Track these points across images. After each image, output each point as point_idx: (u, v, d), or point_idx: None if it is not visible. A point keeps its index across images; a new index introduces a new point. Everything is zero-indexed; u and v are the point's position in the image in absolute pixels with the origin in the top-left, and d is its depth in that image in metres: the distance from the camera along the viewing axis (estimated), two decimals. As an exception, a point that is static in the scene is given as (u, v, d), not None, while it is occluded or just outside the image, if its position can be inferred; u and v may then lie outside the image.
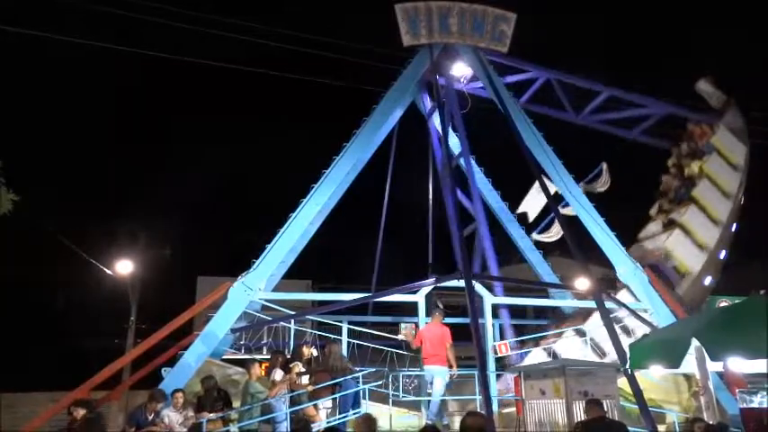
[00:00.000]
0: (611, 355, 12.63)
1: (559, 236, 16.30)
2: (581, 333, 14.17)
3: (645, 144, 17.84)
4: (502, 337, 15.18)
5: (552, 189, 14.68)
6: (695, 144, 16.70)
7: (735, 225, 15.95)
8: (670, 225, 15.65)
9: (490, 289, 14.23)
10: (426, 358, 11.86)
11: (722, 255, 15.68)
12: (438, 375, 11.66)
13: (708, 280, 15.40)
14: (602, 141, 17.84)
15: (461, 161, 16.01)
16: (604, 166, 16.22)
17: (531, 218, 17.01)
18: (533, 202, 16.72)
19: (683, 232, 15.22)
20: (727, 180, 15.78)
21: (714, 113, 17.06)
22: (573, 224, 14.22)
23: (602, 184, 15.90)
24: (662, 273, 14.88)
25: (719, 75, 17.48)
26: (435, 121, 17.51)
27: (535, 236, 17.05)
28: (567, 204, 14.96)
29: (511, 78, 16.45)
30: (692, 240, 15.20)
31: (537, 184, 16.08)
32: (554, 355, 13.85)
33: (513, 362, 14.18)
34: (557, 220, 15.91)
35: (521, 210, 17.02)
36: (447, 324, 12.55)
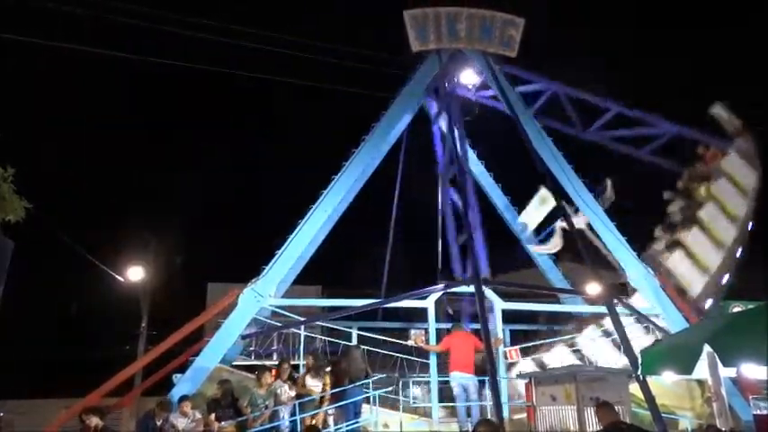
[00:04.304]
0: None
1: (557, 248, 16.14)
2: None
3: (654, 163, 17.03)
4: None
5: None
6: (704, 167, 16.29)
7: (740, 250, 15.45)
8: (673, 245, 15.30)
9: (501, 294, 14.18)
10: (458, 366, 11.90)
11: (724, 279, 15.22)
12: (473, 382, 11.84)
13: (709, 302, 15.10)
14: (606, 154, 17.32)
15: (470, 167, 16.02)
16: (609, 182, 15.90)
17: (531, 229, 16.85)
18: (534, 214, 16.50)
19: (685, 253, 14.80)
20: (734, 205, 15.22)
21: (726, 137, 16.42)
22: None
23: (606, 200, 15.61)
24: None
25: (734, 99, 16.81)
26: (441, 125, 17.58)
27: (534, 248, 16.97)
28: (577, 210, 14.88)
29: (518, 89, 16.16)
30: (695, 262, 14.82)
31: (537, 196, 16.02)
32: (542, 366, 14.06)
33: None
34: (558, 230, 15.81)
35: (520, 220, 16.85)
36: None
